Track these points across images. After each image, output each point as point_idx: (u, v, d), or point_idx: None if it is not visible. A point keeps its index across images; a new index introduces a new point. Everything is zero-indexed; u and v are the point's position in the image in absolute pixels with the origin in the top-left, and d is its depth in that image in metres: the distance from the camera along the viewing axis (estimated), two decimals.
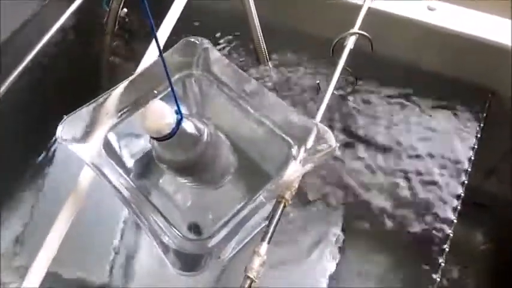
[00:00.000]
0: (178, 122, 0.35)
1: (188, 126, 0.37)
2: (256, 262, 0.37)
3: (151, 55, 0.51)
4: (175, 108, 0.35)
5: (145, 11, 0.31)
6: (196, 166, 0.40)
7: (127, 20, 0.67)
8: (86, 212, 0.43)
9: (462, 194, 0.53)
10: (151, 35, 0.48)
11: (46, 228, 0.40)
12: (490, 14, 0.58)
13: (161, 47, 0.34)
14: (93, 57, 0.68)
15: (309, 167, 0.38)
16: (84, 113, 0.42)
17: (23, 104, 0.61)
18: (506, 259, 0.67)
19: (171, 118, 0.35)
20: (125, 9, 0.66)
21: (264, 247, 0.37)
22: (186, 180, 0.44)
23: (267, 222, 0.39)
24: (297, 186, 0.40)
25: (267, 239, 0.38)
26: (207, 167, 0.41)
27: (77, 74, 0.67)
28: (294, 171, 0.38)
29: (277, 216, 0.39)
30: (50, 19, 0.63)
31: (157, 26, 0.51)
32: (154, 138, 0.36)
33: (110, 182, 0.38)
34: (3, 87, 0.55)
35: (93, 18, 0.67)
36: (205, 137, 0.38)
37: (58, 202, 0.42)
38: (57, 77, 0.65)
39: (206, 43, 0.45)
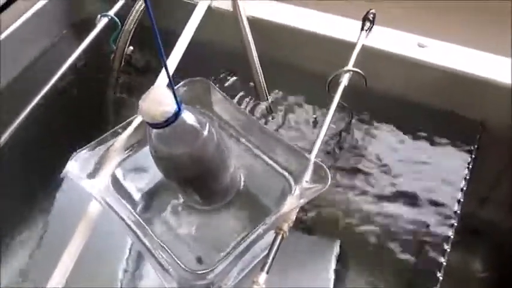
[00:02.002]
0: (177, 113, 0.34)
1: (188, 117, 0.36)
2: None
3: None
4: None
5: (158, 44, 0.32)
6: (194, 165, 0.39)
7: (133, 57, 0.70)
8: (92, 244, 0.44)
9: (455, 224, 0.54)
10: (155, 72, 0.51)
11: (51, 261, 0.41)
12: (476, 49, 0.61)
13: (170, 73, 0.34)
14: (101, 93, 0.71)
15: (305, 200, 0.41)
16: (93, 149, 0.44)
17: (33, 138, 0.64)
18: (505, 286, 0.68)
19: (169, 106, 0.34)
20: (131, 47, 0.69)
21: (263, 277, 0.39)
22: (184, 192, 0.43)
23: (266, 252, 0.41)
24: (294, 218, 0.42)
25: (265, 269, 0.40)
26: (205, 170, 0.40)
27: (85, 109, 0.69)
28: (291, 205, 0.41)
29: (275, 247, 0.41)
30: (60, 56, 0.66)
31: (160, 66, 0.54)
32: (149, 124, 0.35)
33: (117, 215, 0.41)
34: (15, 124, 0.57)
35: (100, 56, 0.70)
36: (205, 131, 0.37)
37: (66, 234, 0.43)
38: (65, 112, 0.68)
39: (208, 83, 0.47)
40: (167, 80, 0.49)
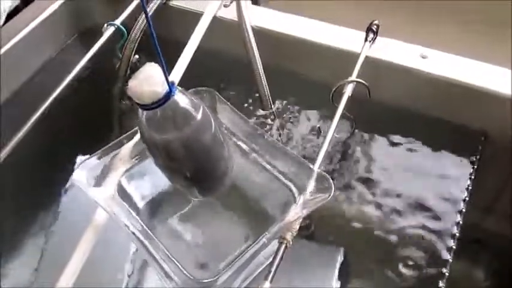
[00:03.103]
0: (168, 94, 0.32)
1: (181, 99, 0.34)
2: None
3: None
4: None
5: (158, 52, 0.31)
6: (187, 151, 0.36)
7: (138, 65, 0.71)
8: (97, 252, 0.44)
9: (457, 234, 0.55)
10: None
11: (59, 267, 0.42)
12: (478, 60, 0.61)
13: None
14: (107, 102, 0.71)
15: (309, 210, 0.41)
16: (99, 158, 0.45)
17: (39, 146, 0.64)
18: None
19: (160, 87, 0.32)
20: (137, 56, 0.69)
21: (266, 286, 0.40)
22: (177, 182, 0.42)
23: (270, 261, 0.42)
24: (297, 227, 0.43)
25: (269, 278, 0.40)
26: (200, 157, 0.37)
27: (91, 117, 0.70)
28: (294, 214, 0.41)
29: (279, 256, 0.42)
30: (66, 64, 0.66)
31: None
32: (138, 105, 0.33)
33: (122, 223, 0.41)
34: (21, 132, 0.58)
35: (106, 64, 0.71)
36: (199, 115, 0.35)
37: (71, 241, 0.44)
38: (72, 120, 0.68)
39: (213, 92, 0.48)
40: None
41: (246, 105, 0.66)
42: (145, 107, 0.33)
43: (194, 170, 0.39)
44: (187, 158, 0.38)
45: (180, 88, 0.34)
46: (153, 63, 0.33)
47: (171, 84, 0.33)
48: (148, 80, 0.32)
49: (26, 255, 0.59)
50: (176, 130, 0.35)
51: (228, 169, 0.42)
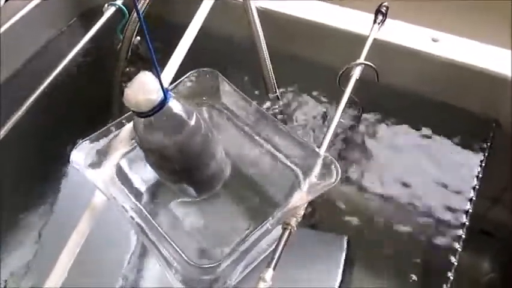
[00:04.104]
0: (163, 101, 0.33)
1: (175, 106, 0.35)
2: (262, 287, 0.37)
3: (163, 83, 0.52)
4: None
5: (148, 43, 0.32)
6: (181, 155, 0.38)
7: (140, 47, 0.69)
8: (95, 237, 0.43)
9: (467, 223, 0.53)
10: (163, 62, 0.50)
11: (56, 251, 0.41)
12: (493, 45, 0.59)
13: (159, 70, 0.34)
14: (107, 83, 0.70)
15: (314, 195, 0.40)
16: (97, 139, 0.43)
17: (38, 128, 0.63)
18: None
19: (155, 94, 0.33)
20: (138, 38, 0.68)
21: (269, 273, 0.38)
22: (174, 184, 0.42)
23: (272, 248, 0.40)
24: (302, 213, 0.41)
25: (272, 265, 0.39)
26: (193, 159, 0.39)
27: (92, 99, 0.69)
28: (299, 199, 0.40)
29: (282, 243, 0.40)
30: (66, 45, 0.65)
31: (168, 56, 0.53)
32: (134, 112, 0.34)
33: (121, 207, 0.40)
34: (20, 112, 0.57)
35: (107, 45, 0.69)
36: (193, 121, 0.37)
37: (69, 226, 0.43)
38: (71, 102, 0.68)
39: (217, 74, 0.46)
40: (171, 75, 0.49)
41: (250, 88, 0.65)
42: (141, 115, 0.34)
43: (188, 172, 0.41)
44: (181, 161, 0.39)
45: (173, 95, 0.35)
46: (146, 72, 0.34)
47: (165, 91, 0.34)
48: (144, 88, 0.33)
49: (24, 239, 0.59)
50: (171, 135, 0.36)
51: (222, 169, 0.43)
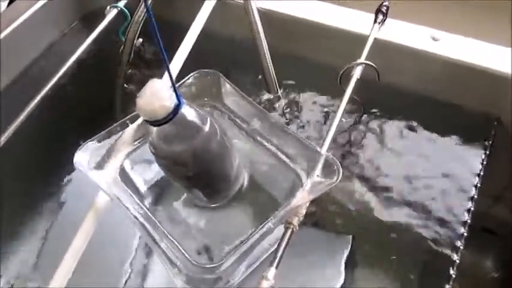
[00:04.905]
0: (177, 107, 0.33)
1: (188, 112, 0.34)
2: (265, 286, 0.38)
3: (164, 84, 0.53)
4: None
5: (158, 41, 0.31)
6: (197, 163, 0.37)
7: (142, 49, 0.69)
8: (99, 236, 0.44)
9: (468, 221, 0.53)
10: (164, 64, 0.51)
11: (61, 252, 0.41)
12: (493, 43, 0.59)
13: (171, 70, 0.33)
14: (110, 85, 0.70)
15: (315, 194, 0.40)
16: (101, 140, 0.44)
17: (41, 130, 0.64)
18: None
19: (168, 101, 0.32)
20: (140, 40, 0.68)
21: (272, 272, 0.38)
22: (187, 190, 0.42)
23: (275, 247, 0.41)
24: (304, 212, 0.42)
25: (275, 264, 0.39)
26: (208, 167, 0.39)
27: (94, 101, 0.69)
28: (301, 199, 0.40)
29: (285, 242, 0.40)
30: (69, 47, 0.65)
31: (171, 57, 0.53)
32: (148, 122, 0.33)
33: (124, 207, 0.40)
34: (24, 114, 0.57)
35: (109, 47, 0.69)
36: (207, 127, 0.36)
37: (73, 227, 0.43)
38: (74, 104, 0.68)
39: (218, 75, 0.47)
40: (175, 74, 0.50)
41: (251, 88, 0.65)
42: (154, 123, 0.33)
43: (202, 179, 0.40)
44: (195, 167, 0.38)
45: (186, 101, 0.34)
46: (155, 79, 0.33)
47: (178, 96, 0.33)
48: (156, 96, 0.32)
49: (30, 240, 0.59)
50: (185, 142, 0.36)
51: (237, 178, 0.43)
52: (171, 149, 0.36)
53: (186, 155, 0.36)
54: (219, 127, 0.38)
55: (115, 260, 0.54)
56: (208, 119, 0.37)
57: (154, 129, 0.35)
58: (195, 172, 0.38)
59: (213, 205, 0.44)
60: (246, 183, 0.44)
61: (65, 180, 0.61)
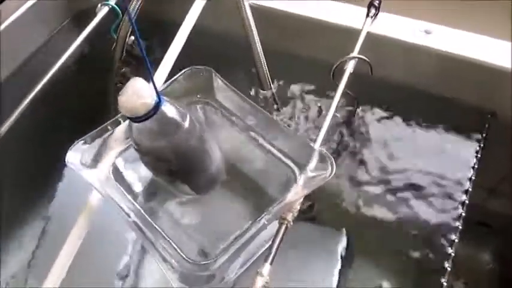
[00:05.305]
0: (157, 105, 0.34)
1: (168, 110, 0.36)
2: (259, 282, 0.38)
3: (156, 82, 0.52)
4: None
5: (141, 48, 0.33)
6: (177, 157, 0.38)
7: (134, 47, 0.69)
8: (93, 236, 0.44)
9: (463, 214, 0.54)
10: (157, 62, 0.51)
11: (55, 251, 0.41)
12: (486, 35, 0.59)
13: (152, 71, 0.36)
14: (102, 84, 0.70)
15: (310, 189, 0.40)
16: (93, 139, 0.43)
17: (34, 129, 0.63)
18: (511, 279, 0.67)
19: (149, 99, 0.33)
20: (132, 37, 0.68)
21: (266, 268, 0.38)
22: (170, 183, 0.43)
23: (270, 243, 0.41)
24: (298, 208, 0.42)
25: (269, 260, 0.39)
26: (190, 161, 0.40)
27: (86, 100, 0.69)
28: (295, 194, 0.40)
29: (279, 238, 0.40)
30: (60, 46, 0.65)
31: (163, 53, 0.53)
32: (129, 118, 0.35)
33: (118, 206, 0.40)
34: (16, 114, 0.57)
35: (101, 45, 0.69)
36: (186, 124, 0.37)
37: (67, 226, 0.43)
38: (66, 103, 0.67)
39: (210, 71, 0.46)
40: (165, 74, 0.50)
41: (244, 84, 0.65)
42: (136, 120, 0.35)
43: (184, 172, 0.41)
44: (176, 162, 0.39)
45: (167, 98, 0.36)
46: (138, 78, 0.34)
47: (159, 95, 0.35)
48: (138, 94, 0.33)
49: (24, 240, 0.59)
50: (165, 138, 0.37)
51: (219, 169, 0.43)
52: (152, 144, 0.37)
53: (167, 151, 0.37)
54: (198, 123, 0.39)
55: (109, 259, 0.54)
56: (188, 115, 0.38)
57: (136, 125, 0.36)
58: (176, 166, 0.39)
59: (198, 196, 0.44)
60: (239, 179, 0.44)
61: (58, 179, 0.60)
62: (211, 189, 0.44)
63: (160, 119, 0.35)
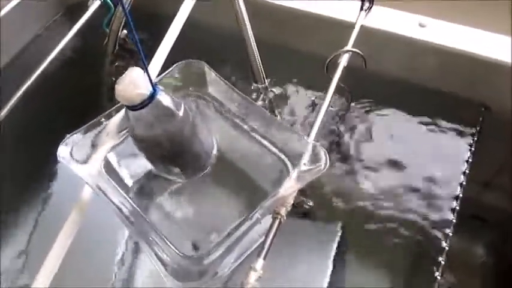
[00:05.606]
0: (152, 94, 0.36)
1: (164, 99, 0.37)
2: (252, 277, 0.37)
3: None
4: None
5: (134, 38, 0.33)
6: (172, 144, 0.40)
7: (127, 41, 0.69)
8: (86, 231, 0.43)
9: (457, 208, 0.54)
10: (150, 55, 0.50)
11: (48, 246, 0.41)
12: (480, 29, 0.59)
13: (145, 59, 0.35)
14: (94, 78, 0.69)
15: (303, 183, 0.40)
16: (85, 133, 0.43)
17: (25, 123, 0.63)
18: (505, 272, 0.67)
19: (145, 89, 0.35)
20: (125, 31, 0.67)
21: (259, 263, 0.38)
22: (163, 167, 0.43)
23: (263, 238, 0.40)
24: (291, 202, 0.41)
25: (262, 255, 0.39)
26: (183, 147, 0.41)
27: (78, 94, 0.68)
28: (288, 188, 0.39)
29: (272, 232, 0.40)
30: (52, 41, 0.65)
31: (155, 47, 0.52)
32: (126, 106, 0.37)
33: (110, 201, 0.39)
34: (7, 108, 0.56)
35: (93, 39, 0.68)
36: (181, 112, 0.39)
37: (59, 220, 0.42)
38: (58, 97, 0.67)
39: (203, 64, 0.46)
40: (158, 67, 0.49)
41: (238, 78, 0.64)
42: (132, 108, 0.36)
43: (177, 157, 0.42)
44: (170, 148, 0.40)
45: (162, 88, 0.38)
46: (135, 67, 0.36)
47: (154, 85, 0.36)
48: (134, 83, 0.35)
49: (17, 236, 0.58)
50: (161, 126, 0.38)
51: (208, 152, 0.44)
52: (148, 132, 0.38)
53: (162, 138, 0.39)
54: (192, 112, 0.41)
55: (102, 257, 0.53)
56: (182, 104, 0.39)
57: (133, 113, 0.37)
58: (169, 152, 0.41)
59: (189, 179, 0.45)
60: (215, 154, 0.45)
61: (51, 174, 0.60)
62: (200, 172, 0.44)
63: (155, 108, 0.37)
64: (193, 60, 0.46)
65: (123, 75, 0.35)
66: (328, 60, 0.54)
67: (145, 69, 0.35)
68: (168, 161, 0.43)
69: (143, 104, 0.36)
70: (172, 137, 0.39)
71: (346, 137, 0.60)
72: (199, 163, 0.44)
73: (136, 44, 0.34)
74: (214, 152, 0.45)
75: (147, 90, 0.35)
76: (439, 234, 0.52)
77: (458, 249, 0.60)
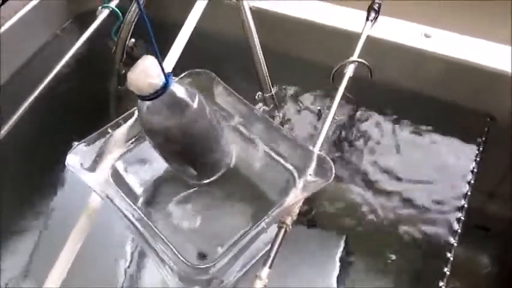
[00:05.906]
0: (165, 84, 0.34)
1: (177, 89, 0.36)
2: (258, 286, 0.38)
3: None
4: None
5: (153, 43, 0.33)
6: (185, 137, 0.38)
7: (134, 49, 0.69)
8: (93, 239, 0.44)
9: (462, 218, 0.54)
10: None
11: (54, 254, 0.41)
12: (486, 39, 0.59)
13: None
14: (103, 86, 0.70)
15: (308, 193, 0.40)
16: (93, 141, 0.44)
17: (34, 131, 0.63)
18: (510, 282, 0.67)
19: (157, 79, 0.34)
20: (133, 40, 0.68)
21: (265, 271, 0.39)
22: (176, 166, 0.43)
23: (269, 247, 0.41)
24: (297, 211, 0.42)
25: (268, 264, 0.39)
26: (198, 141, 0.40)
27: (87, 102, 0.69)
28: (294, 198, 0.40)
29: (278, 241, 0.41)
30: (61, 48, 0.65)
31: (163, 57, 0.53)
32: (138, 96, 0.35)
33: (118, 209, 0.40)
34: (17, 115, 0.57)
35: (102, 48, 0.69)
36: (195, 104, 0.37)
37: (66, 229, 0.43)
38: (67, 105, 0.67)
39: (210, 74, 0.47)
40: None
41: (244, 88, 0.65)
42: (144, 98, 0.35)
43: (190, 154, 0.41)
44: (183, 143, 0.39)
45: (176, 78, 0.37)
46: (149, 56, 0.34)
47: (167, 75, 0.35)
48: (146, 72, 0.34)
49: (23, 242, 0.59)
50: (174, 117, 0.37)
51: (225, 153, 0.43)
52: (158, 123, 0.37)
53: (175, 130, 0.37)
54: (209, 105, 0.39)
55: (109, 262, 0.54)
56: (197, 95, 0.38)
57: (146, 104, 0.36)
58: (182, 147, 0.39)
59: (201, 182, 0.44)
60: (233, 162, 0.44)
61: (58, 181, 0.60)
62: (213, 176, 0.44)
63: (168, 99, 0.35)
64: (200, 70, 0.47)
65: (136, 64, 0.34)
66: (334, 70, 0.54)
67: (158, 59, 0.34)
68: (182, 158, 0.41)
69: (156, 95, 0.34)
70: (186, 129, 0.38)
71: (351, 146, 0.60)
72: (213, 164, 0.43)
73: (149, 33, 0.32)
74: (232, 159, 0.44)
75: (159, 80, 0.34)
76: (444, 244, 0.52)
77: (462, 258, 0.60)
